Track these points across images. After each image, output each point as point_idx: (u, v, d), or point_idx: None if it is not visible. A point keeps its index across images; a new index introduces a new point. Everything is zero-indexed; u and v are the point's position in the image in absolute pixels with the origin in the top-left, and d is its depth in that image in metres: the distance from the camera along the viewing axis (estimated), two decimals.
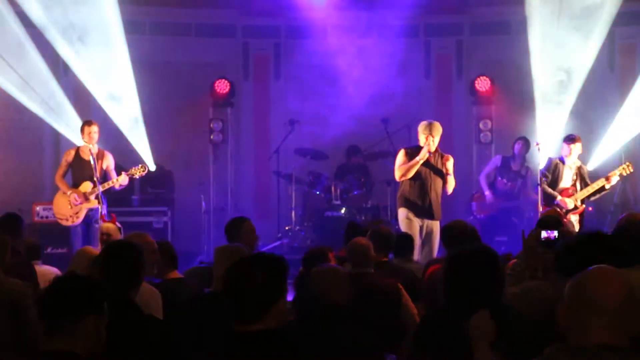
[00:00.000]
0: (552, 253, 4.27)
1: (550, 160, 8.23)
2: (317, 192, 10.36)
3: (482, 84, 10.86)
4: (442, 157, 7.68)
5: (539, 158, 8.83)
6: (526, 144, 9.76)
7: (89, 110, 10.31)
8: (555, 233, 4.25)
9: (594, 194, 8.28)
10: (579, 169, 8.32)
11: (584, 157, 10.50)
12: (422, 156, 7.53)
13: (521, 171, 9.81)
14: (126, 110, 10.28)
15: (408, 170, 7.60)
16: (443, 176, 7.67)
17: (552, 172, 8.16)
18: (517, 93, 10.81)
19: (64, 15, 9.67)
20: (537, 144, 8.85)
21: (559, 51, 10.00)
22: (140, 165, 8.36)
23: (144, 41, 10.85)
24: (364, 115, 10.79)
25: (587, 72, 10.05)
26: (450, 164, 7.63)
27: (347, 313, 4.03)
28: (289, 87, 11.79)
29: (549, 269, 4.37)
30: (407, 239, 6.44)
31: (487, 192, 9.88)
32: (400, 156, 7.74)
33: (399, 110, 10.75)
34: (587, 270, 2.32)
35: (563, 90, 10.14)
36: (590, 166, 10.51)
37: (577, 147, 8.23)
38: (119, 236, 6.13)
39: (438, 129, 7.62)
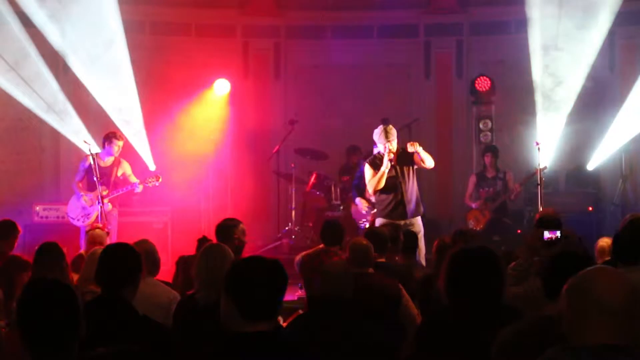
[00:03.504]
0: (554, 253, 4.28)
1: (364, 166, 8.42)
2: (317, 192, 10.35)
3: (482, 84, 10.85)
4: (405, 153, 7.72)
5: (539, 158, 8.84)
6: (494, 153, 9.95)
7: (88, 110, 10.31)
8: (558, 233, 4.27)
9: None
10: None
11: (584, 157, 10.56)
12: (386, 166, 7.61)
13: (498, 175, 9.90)
14: (126, 110, 10.27)
15: (377, 183, 7.70)
16: (412, 174, 7.75)
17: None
18: (517, 93, 10.82)
19: (64, 15, 9.66)
20: (537, 144, 8.88)
21: (559, 51, 10.00)
22: (154, 176, 8.75)
23: (144, 41, 10.84)
24: (363, 115, 10.80)
25: (587, 72, 10.05)
26: (416, 148, 7.54)
27: (354, 306, 4.05)
28: (288, 87, 11.79)
29: None
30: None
31: (473, 206, 9.93)
32: (367, 170, 7.83)
33: (399, 110, 10.75)
34: (588, 270, 2.32)
35: (563, 90, 10.14)
36: (591, 166, 10.54)
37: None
38: (107, 242, 6.31)
39: (393, 133, 7.67)
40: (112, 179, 8.60)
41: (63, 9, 9.64)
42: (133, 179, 8.75)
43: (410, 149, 7.55)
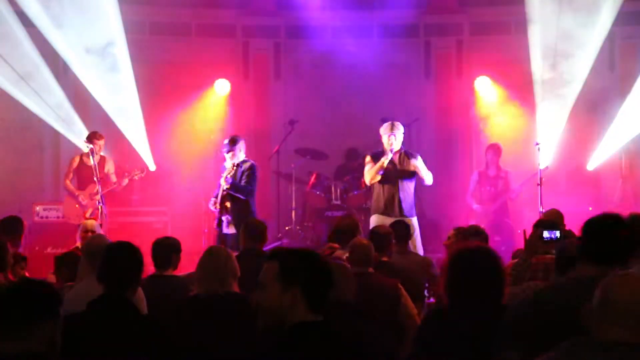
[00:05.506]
0: (553, 253, 4.28)
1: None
2: (317, 192, 10.35)
3: (482, 84, 10.83)
4: (407, 156, 7.79)
5: (539, 158, 8.84)
6: (496, 152, 9.88)
7: (88, 110, 10.32)
8: (557, 233, 4.27)
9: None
10: None
11: (584, 158, 10.56)
12: (386, 156, 7.64)
13: (500, 174, 9.89)
14: (126, 110, 10.28)
15: (375, 172, 7.72)
16: (411, 174, 7.79)
17: None
18: (517, 93, 10.81)
19: (64, 15, 9.66)
20: (537, 144, 8.88)
21: (559, 51, 10.00)
22: (139, 168, 9.20)
23: (144, 41, 10.84)
24: (363, 115, 10.79)
25: (587, 72, 10.05)
26: (418, 163, 7.76)
27: (355, 309, 4.04)
28: (289, 87, 11.79)
29: (549, 270, 4.38)
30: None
31: (475, 206, 9.92)
32: (367, 161, 7.89)
33: (399, 110, 10.74)
34: (615, 274, 2.48)
35: (563, 90, 10.14)
36: (591, 166, 10.54)
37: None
38: (100, 232, 6.46)
39: (399, 129, 7.74)
40: (101, 176, 8.81)
41: (63, 9, 9.64)
42: (113, 178, 9.14)
43: (415, 163, 7.71)
